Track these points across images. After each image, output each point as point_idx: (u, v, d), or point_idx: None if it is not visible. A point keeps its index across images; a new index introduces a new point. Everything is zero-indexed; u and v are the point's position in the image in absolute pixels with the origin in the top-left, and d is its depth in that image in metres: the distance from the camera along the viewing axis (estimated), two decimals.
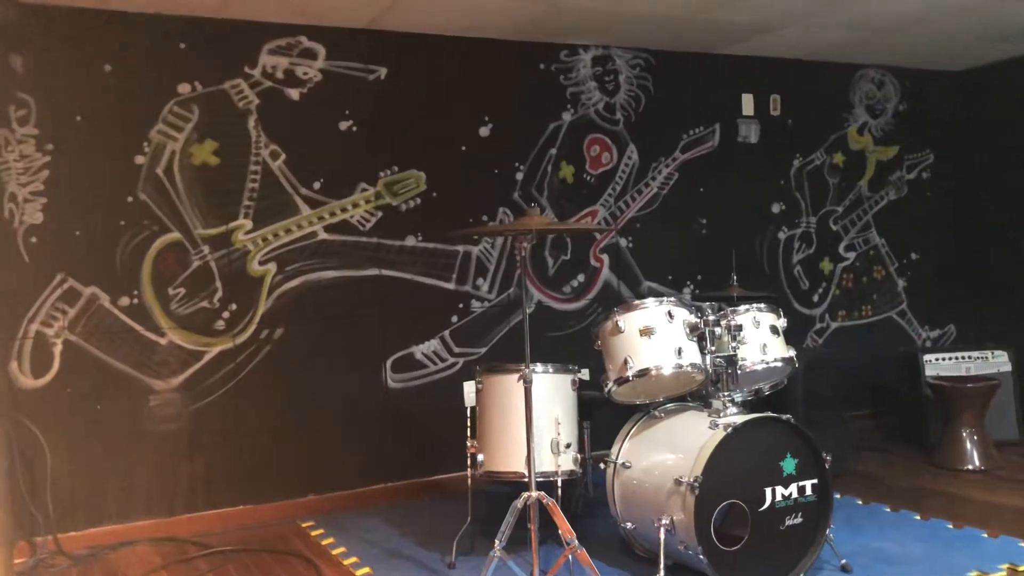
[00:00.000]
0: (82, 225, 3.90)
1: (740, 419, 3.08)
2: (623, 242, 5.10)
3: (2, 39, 3.74)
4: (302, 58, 4.32)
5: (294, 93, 4.31)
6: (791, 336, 5.14)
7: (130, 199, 3.99)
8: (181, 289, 4.09)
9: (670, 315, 3.27)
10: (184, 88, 4.08)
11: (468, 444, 3.42)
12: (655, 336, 3.22)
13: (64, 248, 3.87)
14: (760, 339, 3.40)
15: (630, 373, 3.20)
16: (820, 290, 5.68)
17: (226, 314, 4.17)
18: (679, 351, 3.21)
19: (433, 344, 4.61)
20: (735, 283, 4.17)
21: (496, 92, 4.75)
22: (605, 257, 5.06)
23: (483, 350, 4.71)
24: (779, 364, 3.43)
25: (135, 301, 4.00)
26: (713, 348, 3.27)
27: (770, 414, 3.13)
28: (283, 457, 4.26)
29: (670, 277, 5.24)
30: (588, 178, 5.01)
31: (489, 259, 4.75)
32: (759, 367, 3.38)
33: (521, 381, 3.10)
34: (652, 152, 5.18)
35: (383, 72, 4.49)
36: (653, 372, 3.20)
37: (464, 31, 4.58)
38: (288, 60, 4.29)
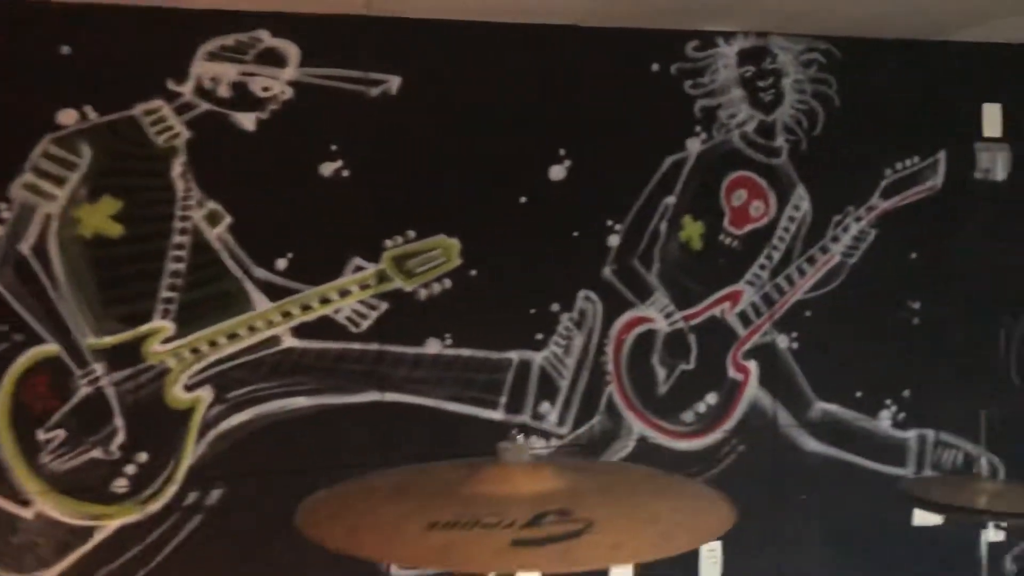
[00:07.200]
0: None
1: None
2: (783, 340, 3.26)
3: None
4: (261, 65, 2.75)
5: (248, 120, 2.75)
6: None
7: None
8: (59, 432, 2.61)
9: None
10: (67, 117, 2.60)
11: None
12: None
13: None
14: None
15: None
16: None
17: (131, 468, 2.67)
18: None
19: None
20: (984, 469, 2.28)
21: (579, 111, 3.03)
22: (752, 365, 3.24)
23: None
24: None
25: None
26: None
27: None
28: None
29: (858, 394, 3.34)
30: (728, 241, 3.20)
31: (561, 370, 3.04)
32: None
33: None
34: (834, 199, 3.30)
35: (394, 83, 2.86)
36: None
37: (524, 15, 2.88)
38: (238, 68, 2.74)
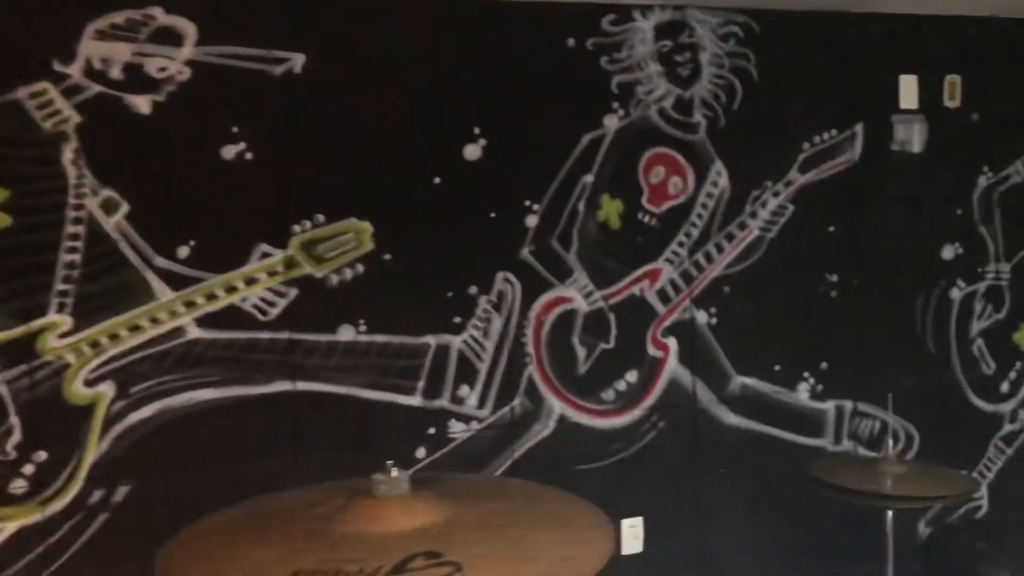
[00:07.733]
0: None
1: None
2: (702, 317, 3.26)
3: None
4: (156, 44, 2.62)
5: (143, 102, 2.61)
6: (963, 446, 3.36)
7: None
8: None
9: None
10: None
11: None
12: None
13: None
14: None
15: None
16: (1013, 375, 3.70)
17: (29, 468, 2.56)
18: None
19: None
20: (893, 450, 2.30)
21: (493, 88, 2.95)
22: (671, 342, 3.23)
23: None
24: None
25: None
26: None
27: None
28: None
29: (777, 368, 3.37)
30: (646, 219, 3.17)
31: (480, 353, 3.00)
32: None
33: None
34: (752, 174, 3.29)
35: (298, 61, 2.74)
36: None
37: None
38: (131, 48, 2.59)
